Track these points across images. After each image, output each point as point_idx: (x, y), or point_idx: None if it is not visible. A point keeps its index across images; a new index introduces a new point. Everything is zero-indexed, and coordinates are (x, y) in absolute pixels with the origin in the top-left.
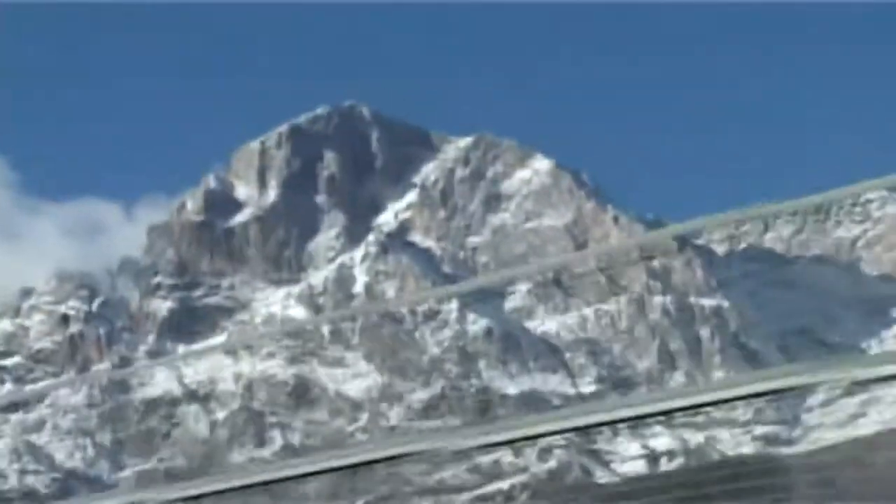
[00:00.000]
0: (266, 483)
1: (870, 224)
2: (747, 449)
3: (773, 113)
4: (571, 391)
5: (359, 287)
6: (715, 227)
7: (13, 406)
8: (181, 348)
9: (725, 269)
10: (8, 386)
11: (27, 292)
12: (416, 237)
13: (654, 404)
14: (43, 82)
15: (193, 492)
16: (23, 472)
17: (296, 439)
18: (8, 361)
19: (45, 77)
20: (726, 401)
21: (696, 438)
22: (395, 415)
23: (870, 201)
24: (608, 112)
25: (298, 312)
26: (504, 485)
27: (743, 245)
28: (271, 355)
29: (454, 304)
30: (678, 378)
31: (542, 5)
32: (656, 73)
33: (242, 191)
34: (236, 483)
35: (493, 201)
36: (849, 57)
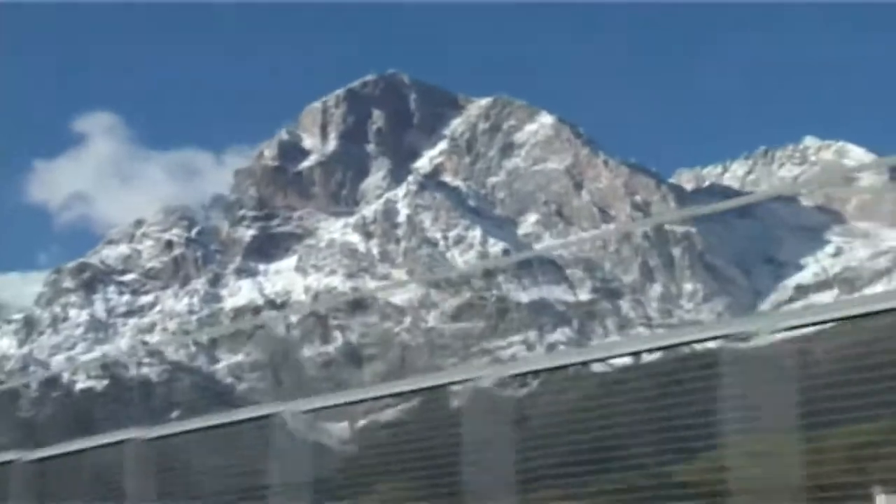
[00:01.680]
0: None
1: (807, 166)
2: (712, 344)
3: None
4: (571, 299)
5: (401, 218)
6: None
7: (131, 312)
8: (261, 266)
9: (693, 202)
10: (126, 297)
11: (139, 223)
12: (447, 178)
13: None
14: (146, 54)
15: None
16: (139, 364)
17: (353, 338)
18: (126, 277)
19: (147, 50)
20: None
21: None
22: (431, 318)
23: (807, 148)
24: (600, 77)
25: (354, 238)
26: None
27: (707, 183)
28: (333, 272)
29: (478, 231)
30: (657, 288)
31: None
32: (640, 46)
33: (308, 142)
34: (340, 400)
35: (508, 149)
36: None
